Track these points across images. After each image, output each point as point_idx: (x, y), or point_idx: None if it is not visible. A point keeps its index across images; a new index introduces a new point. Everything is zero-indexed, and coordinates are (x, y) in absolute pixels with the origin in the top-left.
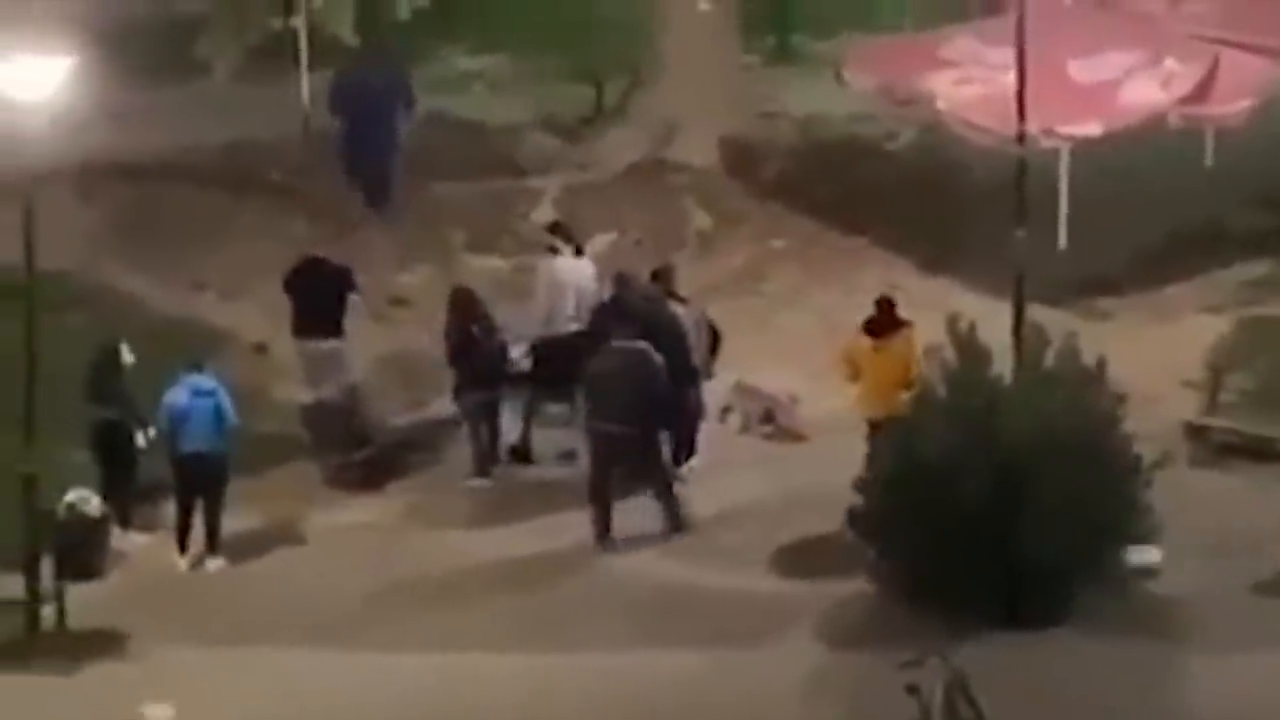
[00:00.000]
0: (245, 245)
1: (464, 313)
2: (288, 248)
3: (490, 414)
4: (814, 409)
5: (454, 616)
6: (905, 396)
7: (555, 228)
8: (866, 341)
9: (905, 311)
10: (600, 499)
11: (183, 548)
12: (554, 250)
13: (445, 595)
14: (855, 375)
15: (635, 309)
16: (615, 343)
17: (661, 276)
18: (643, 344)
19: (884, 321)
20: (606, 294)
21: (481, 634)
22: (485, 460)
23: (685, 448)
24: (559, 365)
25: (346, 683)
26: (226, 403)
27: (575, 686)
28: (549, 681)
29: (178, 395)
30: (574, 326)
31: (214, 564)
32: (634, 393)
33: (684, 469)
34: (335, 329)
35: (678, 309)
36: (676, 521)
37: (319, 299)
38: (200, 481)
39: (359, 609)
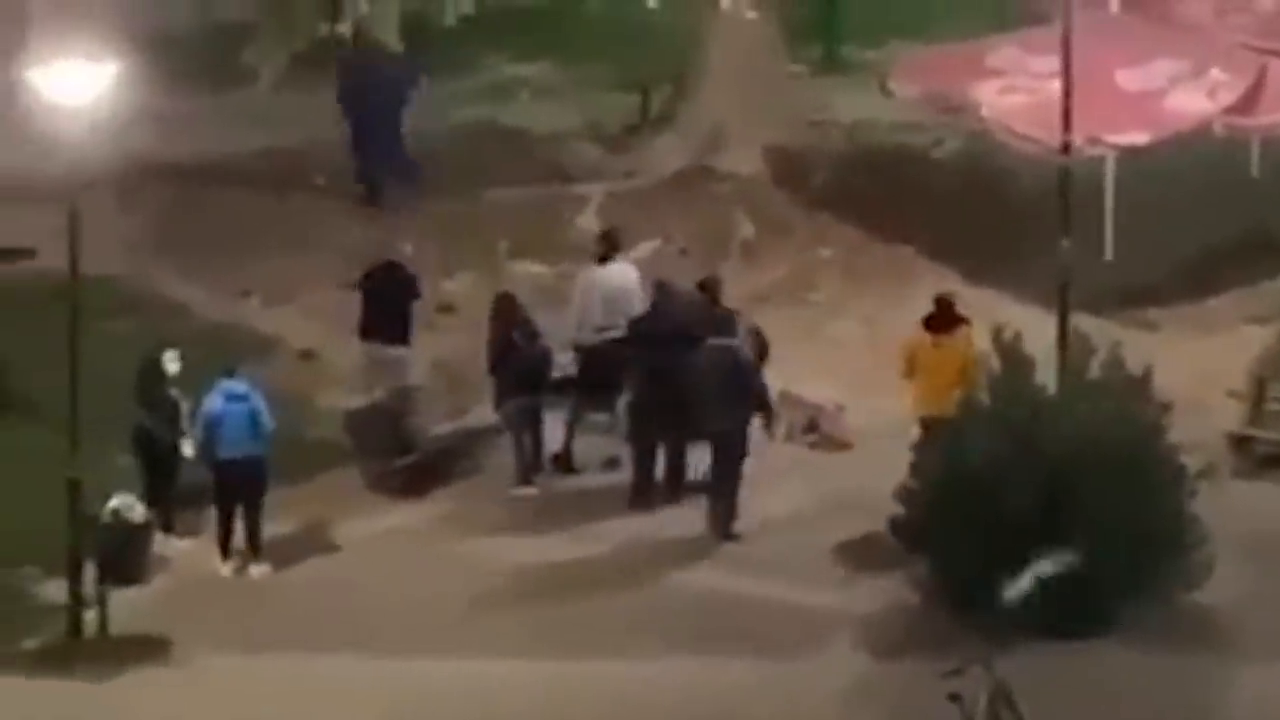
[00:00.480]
0: (290, 251)
1: (506, 319)
2: (333, 254)
3: (533, 421)
4: (859, 417)
5: (492, 624)
6: (960, 395)
7: (605, 236)
8: (926, 338)
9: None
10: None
11: (225, 553)
12: (603, 259)
13: (484, 602)
14: (912, 372)
15: (678, 317)
16: (710, 341)
17: (707, 287)
18: (735, 341)
19: (943, 319)
20: (648, 301)
21: (520, 641)
22: (529, 469)
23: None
24: (603, 372)
25: (387, 689)
26: (262, 406)
27: (613, 695)
28: (585, 690)
29: (212, 401)
30: (617, 334)
31: (258, 569)
32: (727, 387)
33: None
34: (404, 335)
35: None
36: (730, 528)
37: (390, 303)
38: (239, 487)
39: (399, 616)
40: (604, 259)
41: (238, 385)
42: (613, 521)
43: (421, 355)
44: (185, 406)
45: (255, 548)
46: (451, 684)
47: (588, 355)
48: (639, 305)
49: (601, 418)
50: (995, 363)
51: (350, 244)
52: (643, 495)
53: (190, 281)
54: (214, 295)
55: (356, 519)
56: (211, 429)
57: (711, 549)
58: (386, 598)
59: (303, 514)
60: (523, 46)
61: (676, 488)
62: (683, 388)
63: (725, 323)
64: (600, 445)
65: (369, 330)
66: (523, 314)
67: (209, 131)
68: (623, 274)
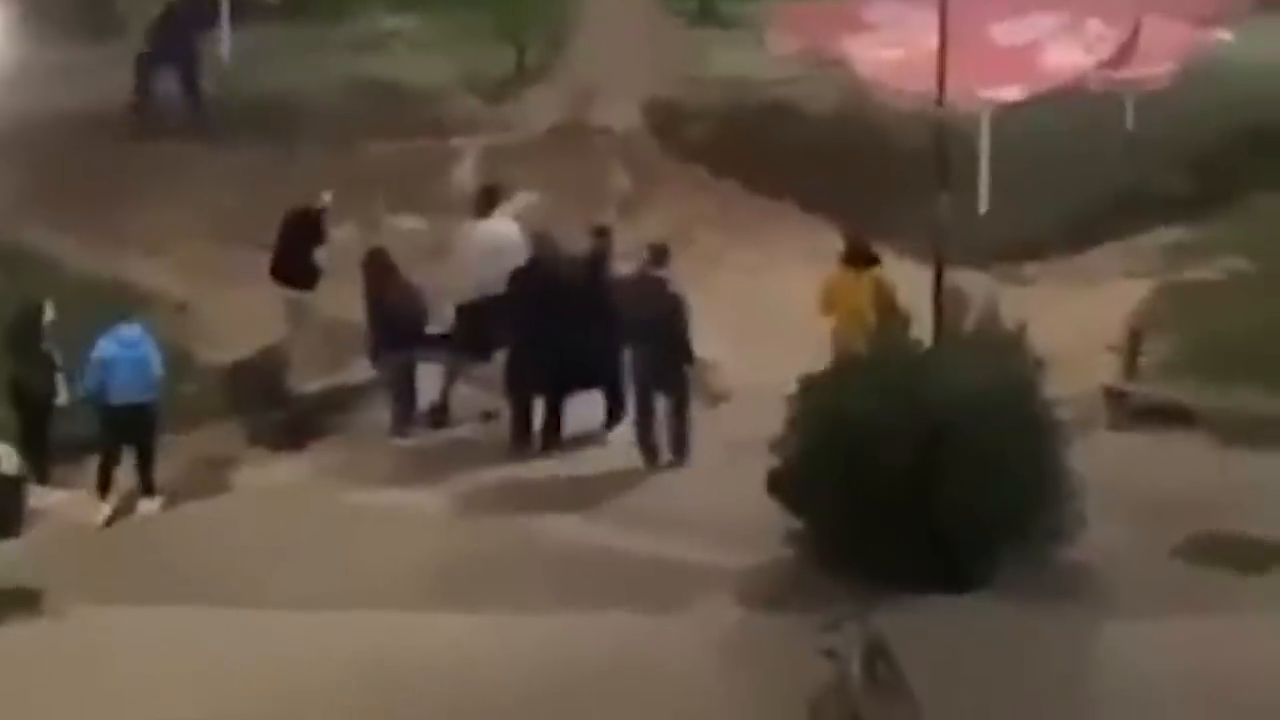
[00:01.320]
0: (164, 203)
1: (381, 274)
2: (206, 207)
3: (407, 375)
4: (738, 370)
5: (369, 575)
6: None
7: (485, 191)
8: (844, 272)
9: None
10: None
11: (104, 495)
12: (482, 214)
13: (361, 554)
14: (831, 307)
15: (558, 268)
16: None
17: (602, 236)
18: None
19: (857, 254)
20: (527, 256)
21: (396, 593)
22: (405, 421)
23: (618, 406)
24: (481, 327)
25: (262, 641)
26: (154, 353)
27: (489, 647)
28: (462, 641)
29: (105, 346)
30: (497, 289)
31: (148, 505)
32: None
33: (615, 431)
34: (306, 279)
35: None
36: (685, 446)
37: (295, 247)
38: (132, 431)
39: (275, 566)
40: (483, 214)
41: (131, 331)
42: (487, 472)
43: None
44: (59, 358)
45: (148, 487)
46: (331, 637)
47: (466, 310)
48: (519, 259)
49: (478, 371)
50: (870, 316)
51: (223, 197)
52: (520, 446)
53: (64, 234)
54: (88, 248)
55: (235, 471)
56: (106, 373)
57: (585, 502)
58: (262, 548)
59: (182, 464)
60: None
61: (552, 440)
62: (561, 340)
63: (601, 274)
64: (477, 398)
65: (274, 272)
66: (396, 270)
67: (80, 83)
68: (502, 229)
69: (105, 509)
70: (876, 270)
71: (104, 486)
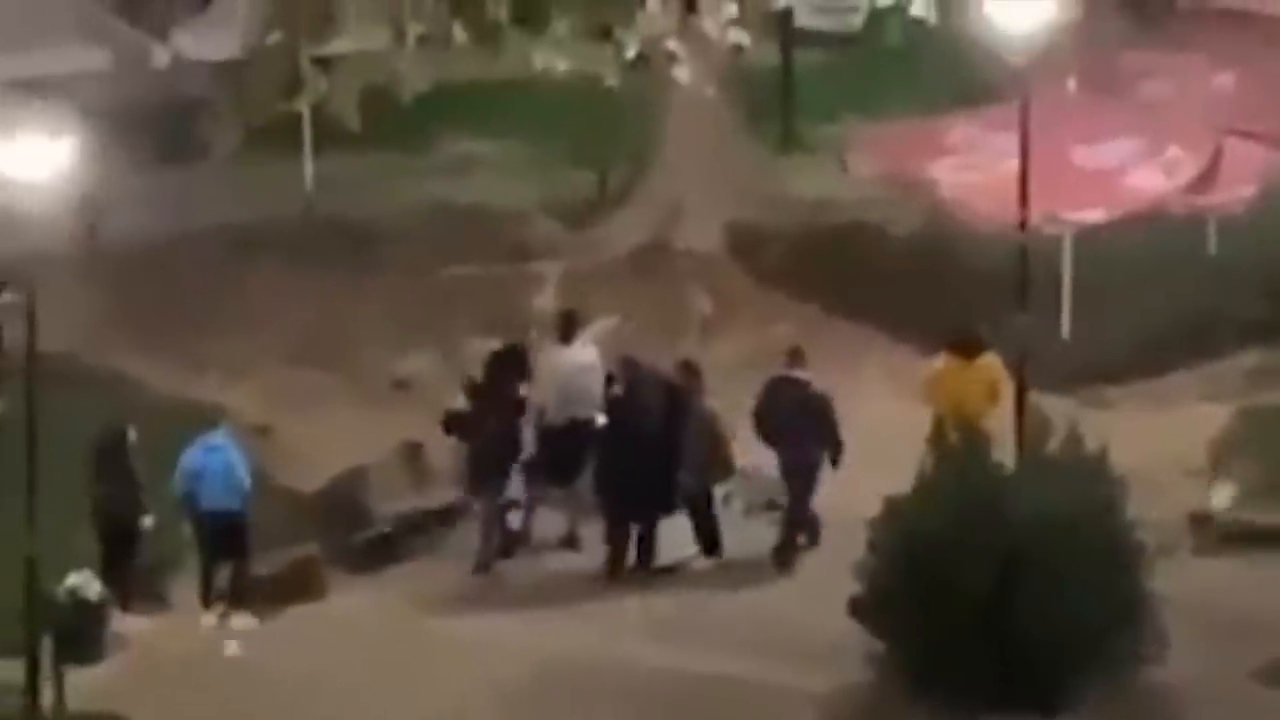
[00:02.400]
0: (245, 327)
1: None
2: (289, 333)
3: (499, 508)
4: (821, 493)
5: (458, 705)
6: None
7: (565, 316)
8: (953, 361)
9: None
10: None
11: (206, 604)
12: (564, 339)
13: (442, 681)
14: (936, 397)
15: (649, 391)
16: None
17: (690, 370)
18: (805, 375)
19: (969, 344)
20: (613, 378)
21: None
22: (489, 556)
23: (708, 539)
24: (566, 452)
25: None
26: (238, 459)
27: None
28: None
29: (193, 455)
30: (580, 412)
31: (241, 621)
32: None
33: (708, 562)
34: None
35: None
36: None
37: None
38: (223, 537)
39: (359, 697)
40: (564, 338)
41: (218, 437)
42: (573, 601)
43: (373, 433)
44: (144, 480)
45: (241, 599)
46: None
47: (552, 436)
48: (599, 384)
49: (558, 493)
50: (953, 439)
51: (305, 321)
52: (616, 571)
53: (147, 357)
54: (170, 370)
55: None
56: (194, 481)
57: (674, 626)
58: (344, 680)
59: (264, 593)
60: (480, 123)
61: (646, 564)
62: (651, 469)
63: (687, 395)
64: (557, 522)
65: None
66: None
67: (167, 207)
68: (583, 353)
69: (209, 621)
70: (989, 356)
71: (205, 598)
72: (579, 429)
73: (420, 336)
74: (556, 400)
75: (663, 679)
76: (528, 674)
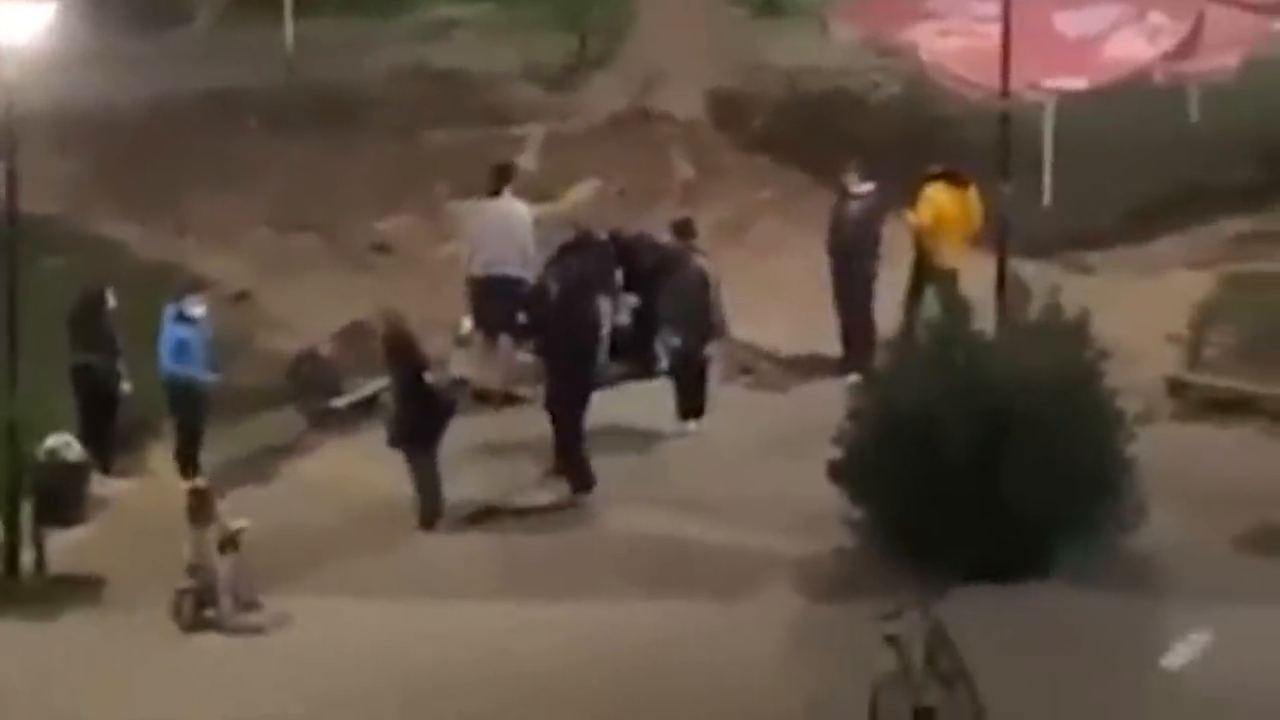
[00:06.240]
0: (227, 192)
1: (407, 354)
2: (270, 198)
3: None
4: (797, 356)
5: (443, 565)
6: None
7: (497, 169)
8: (948, 189)
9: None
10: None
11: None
12: (493, 193)
13: (427, 540)
14: (937, 222)
15: (643, 256)
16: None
17: (683, 229)
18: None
19: (957, 176)
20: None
21: (468, 582)
22: (434, 514)
23: (693, 403)
24: (492, 309)
25: (331, 630)
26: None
27: (552, 635)
28: (524, 629)
29: (176, 325)
30: (497, 269)
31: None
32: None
33: (690, 425)
34: None
35: (701, 260)
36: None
37: None
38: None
39: (343, 555)
40: (491, 191)
41: (193, 309)
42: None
43: (353, 297)
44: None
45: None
46: (390, 622)
47: (474, 287)
48: (529, 241)
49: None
50: (933, 306)
51: (286, 186)
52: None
53: (127, 221)
54: (151, 235)
55: (295, 458)
56: (181, 351)
57: (650, 494)
58: (325, 535)
59: (244, 449)
60: None
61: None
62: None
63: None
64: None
65: None
66: (417, 343)
67: (148, 72)
68: (508, 207)
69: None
70: (973, 189)
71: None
72: (501, 284)
73: (400, 200)
74: (473, 252)
75: (645, 543)
76: (511, 535)
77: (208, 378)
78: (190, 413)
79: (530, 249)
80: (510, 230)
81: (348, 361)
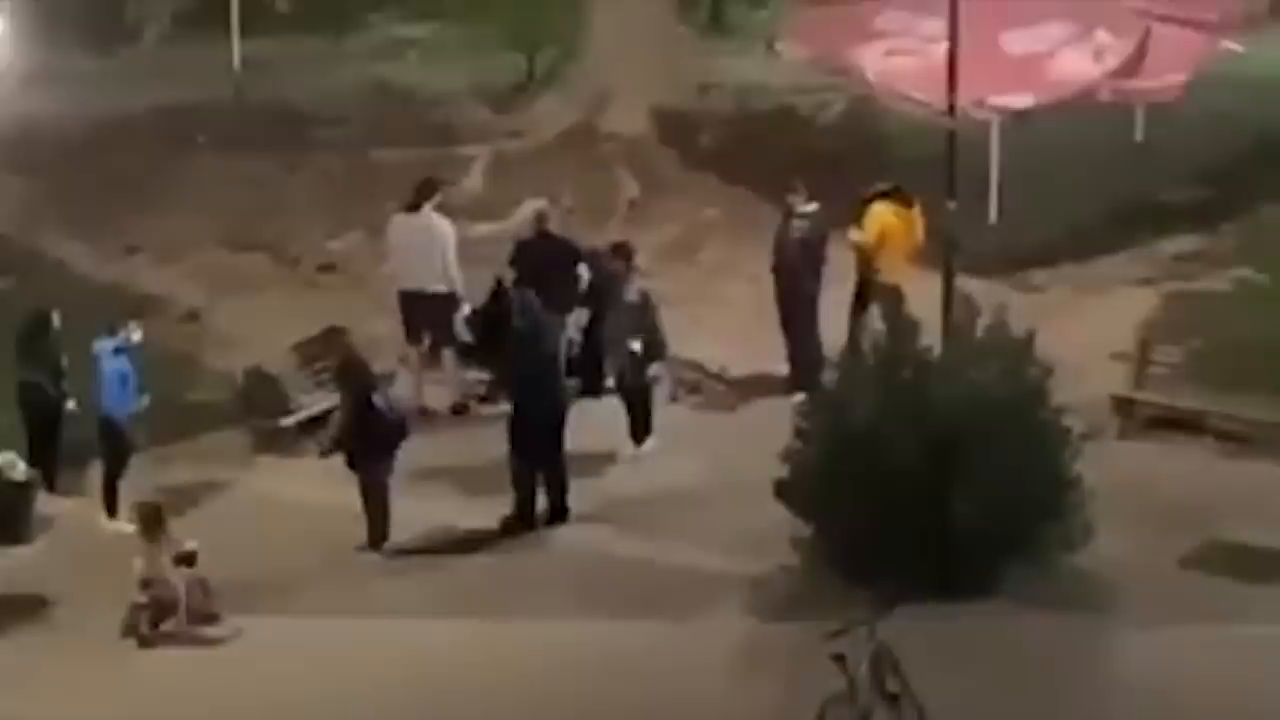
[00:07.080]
0: (176, 210)
1: (358, 379)
2: (219, 216)
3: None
4: (744, 375)
5: (393, 584)
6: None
7: (421, 184)
8: (891, 207)
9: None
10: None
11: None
12: (411, 207)
13: (384, 562)
14: (884, 238)
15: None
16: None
17: (622, 251)
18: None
19: (902, 194)
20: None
21: (418, 601)
22: (381, 538)
23: (643, 426)
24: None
25: (280, 649)
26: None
27: (503, 656)
28: (477, 649)
29: (111, 358)
30: (414, 282)
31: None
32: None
33: (645, 448)
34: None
35: (640, 283)
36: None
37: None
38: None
39: (293, 574)
40: (410, 207)
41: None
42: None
43: (301, 316)
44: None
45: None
46: (350, 642)
47: (401, 300)
48: (450, 257)
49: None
50: (880, 324)
51: (235, 204)
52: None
53: (76, 239)
54: (100, 254)
55: (245, 476)
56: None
57: (601, 514)
58: (279, 556)
59: (190, 473)
60: (409, 6)
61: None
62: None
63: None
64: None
65: None
66: (370, 370)
67: (95, 90)
68: (427, 222)
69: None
70: (916, 208)
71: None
72: (422, 299)
73: (350, 218)
74: (394, 266)
75: (596, 563)
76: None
77: (144, 404)
78: (122, 445)
79: (453, 265)
80: (429, 246)
81: (296, 380)
